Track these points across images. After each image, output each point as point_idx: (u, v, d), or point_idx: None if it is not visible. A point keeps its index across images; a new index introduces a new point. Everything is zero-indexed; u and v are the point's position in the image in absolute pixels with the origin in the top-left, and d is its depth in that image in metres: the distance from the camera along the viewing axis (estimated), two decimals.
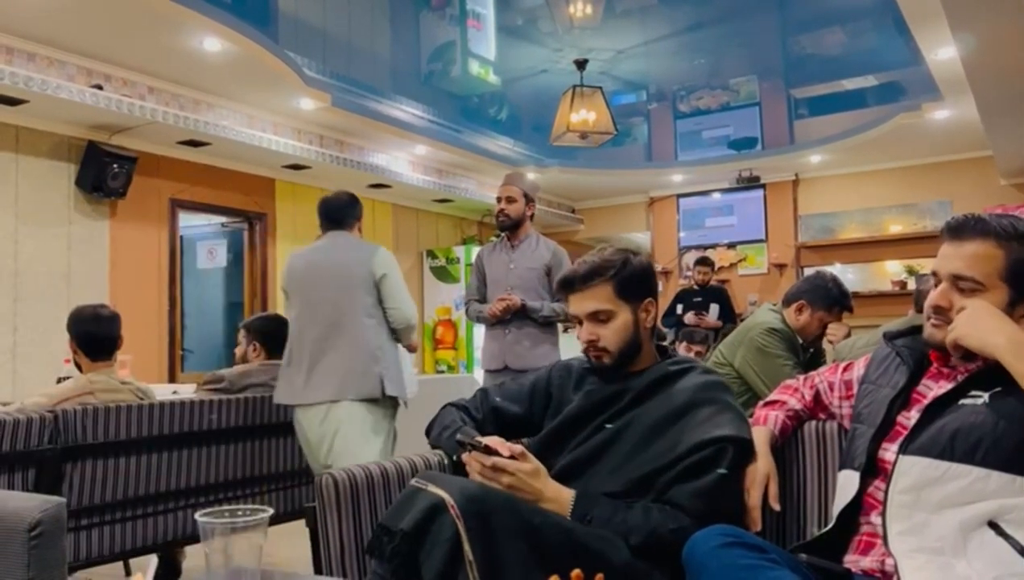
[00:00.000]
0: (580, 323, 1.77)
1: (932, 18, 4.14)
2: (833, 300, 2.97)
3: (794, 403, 1.72)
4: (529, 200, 3.78)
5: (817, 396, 1.72)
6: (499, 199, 3.79)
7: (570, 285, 1.77)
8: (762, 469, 1.58)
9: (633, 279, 1.74)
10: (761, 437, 1.63)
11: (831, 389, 1.69)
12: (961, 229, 1.38)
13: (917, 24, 4.40)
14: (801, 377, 1.79)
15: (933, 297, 1.41)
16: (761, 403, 1.79)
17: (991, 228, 1.36)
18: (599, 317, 1.73)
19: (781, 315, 3.04)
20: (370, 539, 1.41)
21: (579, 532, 1.42)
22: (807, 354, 3.10)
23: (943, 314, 1.39)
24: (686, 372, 1.72)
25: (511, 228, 3.78)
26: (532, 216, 3.82)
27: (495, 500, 1.38)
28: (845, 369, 1.68)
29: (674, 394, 1.67)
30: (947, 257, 1.40)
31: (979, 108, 5.43)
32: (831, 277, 3.05)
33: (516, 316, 3.66)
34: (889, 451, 1.40)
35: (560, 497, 1.53)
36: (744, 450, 1.58)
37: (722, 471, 1.52)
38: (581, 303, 1.75)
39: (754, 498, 1.55)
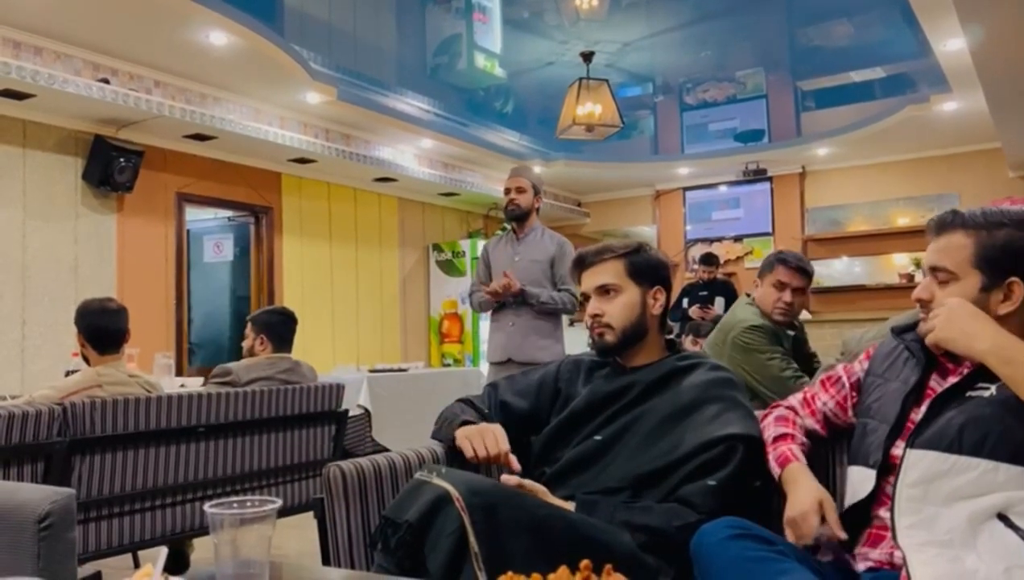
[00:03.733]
0: (588, 300, 1.77)
1: (941, 9, 4.11)
2: (769, 262, 3.07)
3: (800, 434, 1.62)
4: (537, 192, 3.82)
5: (827, 420, 1.64)
6: (508, 190, 3.84)
7: (583, 260, 1.79)
8: (811, 499, 1.42)
9: (645, 263, 1.76)
10: (797, 472, 1.50)
11: (842, 410, 1.62)
12: (939, 225, 1.45)
13: (925, 15, 4.38)
14: (795, 402, 1.69)
15: (915, 290, 1.47)
16: (769, 441, 1.64)
17: (963, 220, 1.42)
18: (606, 291, 1.73)
19: (756, 307, 3.04)
20: (374, 531, 1.41)
21: (584, 525, 1.42)
22: (790, 340, 3.09)
23: (925, 306, 1.44)
24: (695, 368, 1.70)
25: (520, 218, 3.82)
26: (539, 209, 3.86)
27: (500, 493, 1.37)
28: (838, 379, 1.62)
29: (682, 390, 1.65)
30: (927, 252, 1.47)
31: (988, 100, 5.39)
32: (776, 251, 3.20)
33: (519, 308, 3.68)
34: (898, 447, 1.40)
35: None
36: (753, 448, 1.57)
37: (711, 483, 1.49)
38: (591, 277, 1.77)
39: (810, 526, 1.39)
